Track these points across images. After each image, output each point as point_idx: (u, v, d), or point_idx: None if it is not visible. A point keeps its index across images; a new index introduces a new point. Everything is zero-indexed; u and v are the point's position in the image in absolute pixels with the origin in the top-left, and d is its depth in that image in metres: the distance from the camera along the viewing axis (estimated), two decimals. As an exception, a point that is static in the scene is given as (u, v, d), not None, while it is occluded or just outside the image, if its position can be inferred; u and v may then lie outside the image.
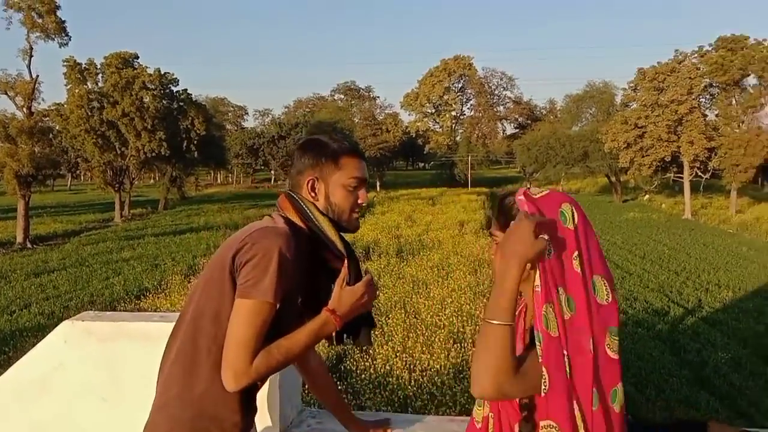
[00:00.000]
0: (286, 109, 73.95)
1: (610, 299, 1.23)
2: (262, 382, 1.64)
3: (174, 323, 2.39)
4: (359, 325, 1.67)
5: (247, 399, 1.58)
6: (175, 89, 37.98)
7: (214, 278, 1.52)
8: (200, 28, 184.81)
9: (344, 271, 1.58)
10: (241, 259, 1.47)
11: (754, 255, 22.65)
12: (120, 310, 13.60)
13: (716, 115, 36.72)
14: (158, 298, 14.68)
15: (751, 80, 34.86)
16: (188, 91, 38.81)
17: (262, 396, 2.25)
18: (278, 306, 1.46)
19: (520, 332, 1.33)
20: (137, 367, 2.39)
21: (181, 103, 38.33)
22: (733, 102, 35.44)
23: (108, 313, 2.66)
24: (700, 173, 36.67)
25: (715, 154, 34.47)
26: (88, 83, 34.21)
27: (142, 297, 15.06)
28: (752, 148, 32.21)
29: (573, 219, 1.22)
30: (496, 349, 1.14)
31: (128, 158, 34.55)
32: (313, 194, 1.64)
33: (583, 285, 1.20)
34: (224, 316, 1.48)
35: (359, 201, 1.67)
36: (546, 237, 1.19)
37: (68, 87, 33.51)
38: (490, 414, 1.32)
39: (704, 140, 33.93)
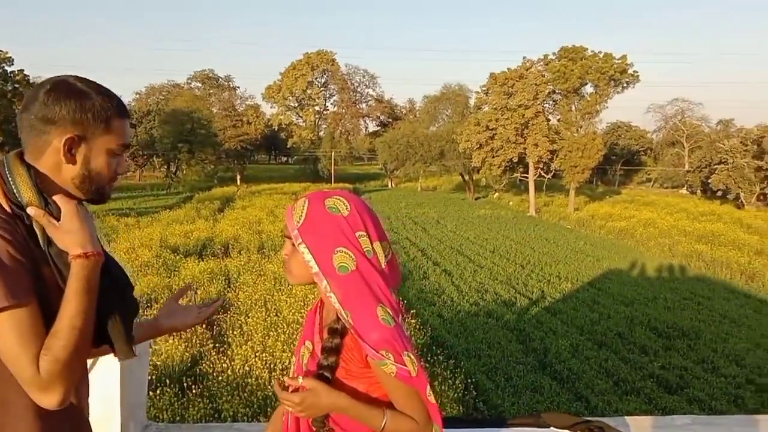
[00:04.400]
0: (138, 96, 69.46)
1: (385, 262, 1.40)
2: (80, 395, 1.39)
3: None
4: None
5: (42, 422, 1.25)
6: (9, 69, 34.33)
7: None
8: (44, 5, 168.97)
9: (43, 215, 1.25)
10: None
11: (589, 249, 24.84)
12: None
13: (558, 120, 39.74)
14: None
15: (589, 88, 38.15)
16: (25, 72, 35.25)
17: (101, 413, 2.03)
18: (29, 300, 1.19)
19: (317, 327, 1.49)
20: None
21: (17, 85, 34.72)
22: (573, 108, 38.59)
23: None
24: (543, 173, 39.60)
25: (557, 156, 37.33)
26: None
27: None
28: (588, 151, 35.29)
29: (346, 207, 1.39)
30: (403, 426, 1.36)
31: (-50, 144, 30.77)
32: (68, 155, 1.30)
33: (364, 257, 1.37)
34: None
35: (120, 169, 1.38)
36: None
37: None
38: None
39: (547, 143, 36.60)
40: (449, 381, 9.27)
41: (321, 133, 66.61)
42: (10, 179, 1.28)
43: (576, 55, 37.42)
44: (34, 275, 1.23)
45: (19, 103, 34.05)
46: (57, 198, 1.28)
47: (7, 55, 33.77)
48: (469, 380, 9.81)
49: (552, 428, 1.92)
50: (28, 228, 1.27)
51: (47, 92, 1.29)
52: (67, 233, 1.26)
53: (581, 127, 38.30)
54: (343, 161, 65.32)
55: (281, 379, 1.41)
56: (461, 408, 8.95)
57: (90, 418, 1.51)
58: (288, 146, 66.34)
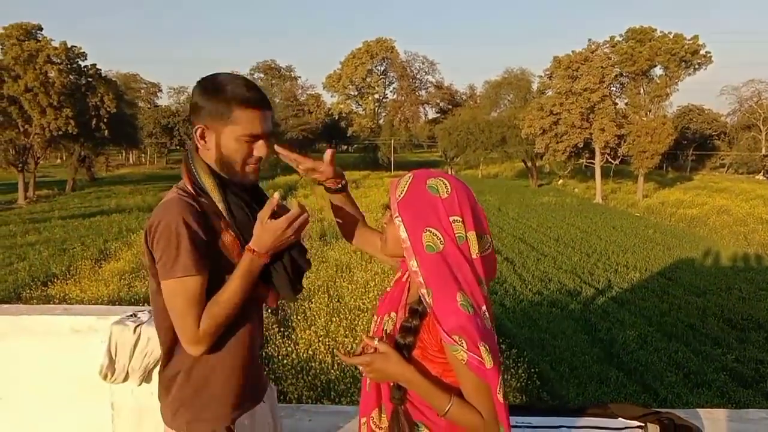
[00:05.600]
0: (204, 88, 71.49)
1: (478, 254, 1.39)
2: (255, 339, 1.67)
3: (79, 316, 2.23)
4: (292, 266, 1.61)
5: (239, 364, 1.61)
6: (83, 64, 35.87)
7: (145, 264, 1.56)
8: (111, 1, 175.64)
9: (266, 208, 1.51)
10: (151, 243, 1.48)
11: (659, 237, 23.99)
12: (26, 298, 12.79)
13: (626, 104, 38.43)
14: (67, 284, 13.91)
15: (658, 71, 36.68)
16: (97, 67, 36.77)
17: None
18: (207, 273, 1.48)
19: (403, 303, 1.50)
20: (37, 364, 2.20)
21: (90, 79, 36.22)
22: (642, 91, 37.22)
23: (4, 305, 2.44)
24: (610, 159, 38.40)
25: (624, 141, 36.12)
26: (-14, 55, 31.84)
27: (49, 283, 14.20)
28: (658, 135, 33.98)
29: (446, 190, 1.39)
30: (467, 416, 1.34)
31: (32, 136, 32.47)
32: (203, 142, 1.54)
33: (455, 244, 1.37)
34: (160, 297, 1.51)
35: (255, 153, 1.56)
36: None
37: (-37, 58, 31.07)
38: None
39: (614, 127, 35.46)
40: (512, 370, 9.18)
41: (380, 121, 66.83)
42: (193, 167, 1.54)
43: (644, 36, 35.99)
44: (209, 248, 1.50)
45: (92, 97, 35.66)
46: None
47: (81, 51, 35.26)
48: (532, 370, 9.69)
49: (620, 419, 1.87)
50: (206, 207, 1.53)
51: (195, 86, 1.53)
52: (265, 228, 1.50)
53: (650, 110, 36.89)
54: (403, 149, 65.37)
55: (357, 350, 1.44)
56: (524, 397, 8.86)
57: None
58: (348, 135, 66.86)
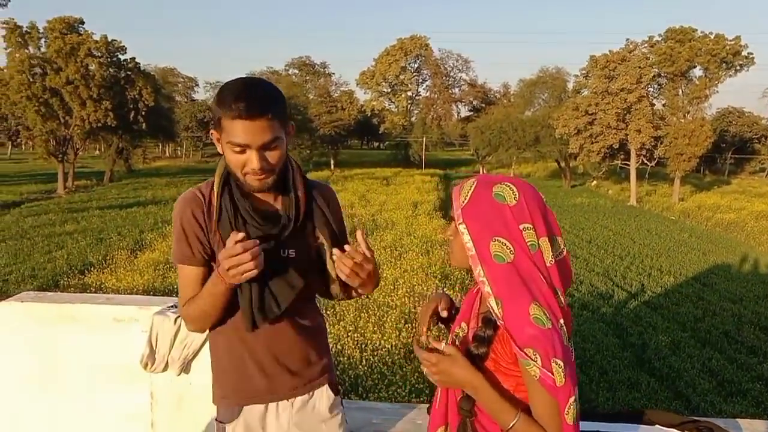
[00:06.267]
0: (239, 83, 72.21)
1: (552, 261, 1.33)
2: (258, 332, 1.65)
3: (121, 306, 2.28)
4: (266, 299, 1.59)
5: (238, 351, 1.68)
6: (122, 57, 36.56)
7: None
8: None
9: (232, 235, 1.43)
10: None
11: (694, 242, 23.51)
12: (63, 286, 13.12)
13: (663, 105, 37.67)
14: (103, 273, 14.23)
15: (697, 72, 35.86)
16: (136, 60, 37.45)
17: (208, 379, 2.18)
18: (200, 263, 1.60)
19: (475, 312, 1.45)
20: (79, 351, 2.26)
21: (129, 72, 36.91)
22: (680, 92, 36.44)
23: (49, 293, 2.51)
24: (646, 161, 37.71)
25: (661, 143, 35.42)
26: (30, 48, 32.60)
27: (86, 272, 14.56)
28: (696, 138, 33.24)
29: (514, 197, 1.34)
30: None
31: (72, 128, 33.22)
32: (218, 146, 1.56)
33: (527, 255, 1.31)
34: None
35: (247, 166, 1.49)
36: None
37: (8, 51, 31.87)
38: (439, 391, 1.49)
39: (651, 129, 34.81)
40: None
41: (413, 119, 66.70)
42: (218, 165, 1.63)
43: (684, 36, 35.20)
44: (209, 241, 1.60)
45: (131, 90, 36.34)
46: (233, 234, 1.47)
47: (121, 44, 35.94)
48: (561, 372, 9.58)
49: (657, 426, 1.85)
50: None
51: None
52: (223, 256, 1.44)
53: (688, 112, 36.09)
54: (435, 147, 65.12)
55: (421, 339, 1.39)
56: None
57: (200, 384, 1.90)
58: (380, 132, 66.91)
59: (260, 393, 1.68)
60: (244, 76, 1.55)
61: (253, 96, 1.43)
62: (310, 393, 1.76)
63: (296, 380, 1.71)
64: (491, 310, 1.30)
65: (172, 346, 2.03)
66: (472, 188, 1.36)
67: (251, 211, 1.56)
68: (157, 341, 2.04)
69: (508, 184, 1.36)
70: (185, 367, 2.09)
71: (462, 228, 1.34)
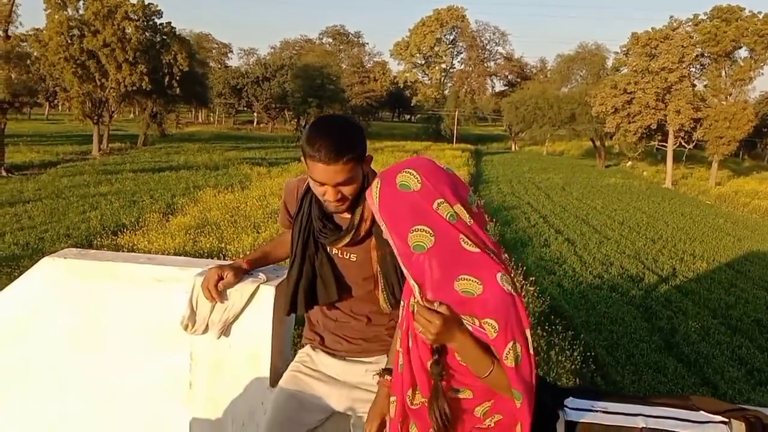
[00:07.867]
0: (272, 50, 72.02)
1: (471, 220, 1.41)
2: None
3: (163, 266, 2.30)
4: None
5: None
6: (158, 21, 36.73)
7: None
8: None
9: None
10: None
11: (730, 228, 23.01)
12: (97, 245, 13.40)
13: (705, 86, 36.67)
14: (135, 235, 14.49)
15: (743, 52, 34.77)
16: (172, 25, 37.57)
17: (252, 348, 2.20)
18: (287, 227, 2.04)
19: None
20: (120, 310, 2.29)
21: (164, 37, 37.08)
22: (723, 74, 35.37)
23: (91, 251, 2.53)
24: (684, 143, 36.84)
25: (700, 125, 34.54)
26: (69, 10, 32.93)
27: (119, 233, 14.85)
28: (737, 121, 32.35)
29: (417, 181, 1.39)
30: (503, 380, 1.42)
31: (108, 90, 33.63)
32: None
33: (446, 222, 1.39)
34: None
35: (325, 195, 1.73)
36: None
37: (47, 12, 32.24)
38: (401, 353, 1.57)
39: (691, 110, 33.93)
40: (567, 352, 9.05)
41: (446, 92, 66.01)
42: None
43: (731, 15, 34.03)
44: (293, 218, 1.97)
45: (166, 55, 36.56)
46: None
47: (157, 8, 36.07)
48: (588, 353, 9.54)
49: (702, 412, 1.81)
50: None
51: None
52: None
53: (731, 94, 35.06)
54: (467, 121, 64.51)
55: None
56: (577, 380, 8.73)
57: (240, 346, 2.08)
58: (412, 104, 66.43)
59: (318, 345, 2.05)
60: (329, 114, 1.83)
61: (330, 142, 1.64)
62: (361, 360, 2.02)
63: (352, 347, 2.01)
64: (416, 297, 1.43)
65: (213, 308, 2.05)
66: (379, 188, 1.42)
67: (321, 218, 1.86)
68: (197, 303, 2.05)
69: (408, 170, 1.41)
70: (225, 330, 2.10)
71: (385, 229, 1.41)
